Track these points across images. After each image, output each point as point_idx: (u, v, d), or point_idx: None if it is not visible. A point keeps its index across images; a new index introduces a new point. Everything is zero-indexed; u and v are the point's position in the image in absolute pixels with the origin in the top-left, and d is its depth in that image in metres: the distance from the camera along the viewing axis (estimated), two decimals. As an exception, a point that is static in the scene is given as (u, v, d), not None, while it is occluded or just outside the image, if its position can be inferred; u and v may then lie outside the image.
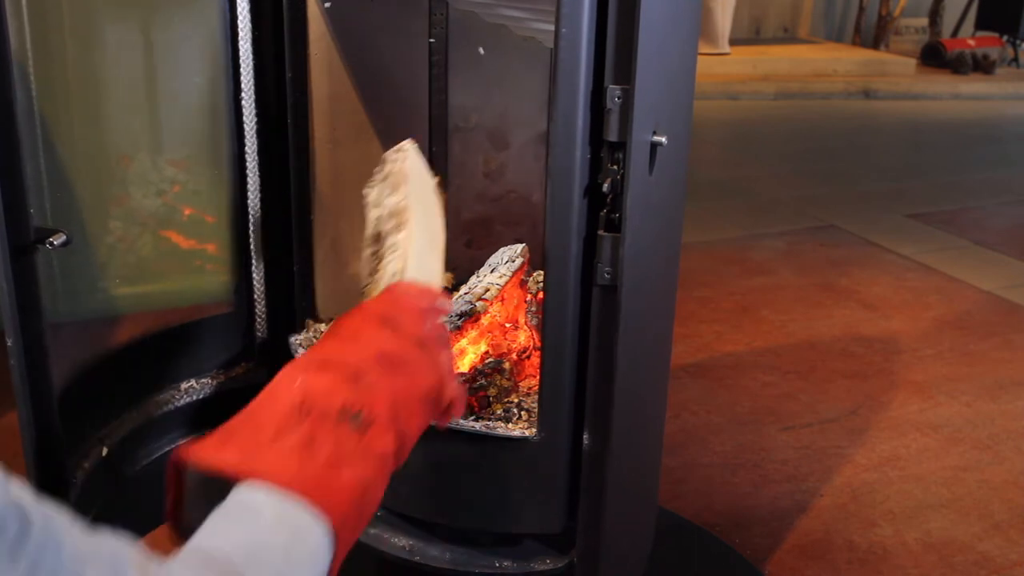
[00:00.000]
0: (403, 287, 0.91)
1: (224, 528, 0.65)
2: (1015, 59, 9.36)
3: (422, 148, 1.73)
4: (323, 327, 1.65)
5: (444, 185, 1.79)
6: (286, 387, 0.75)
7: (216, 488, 0.67)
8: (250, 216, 1.64)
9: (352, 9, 1.57)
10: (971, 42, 9.19)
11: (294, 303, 1.65)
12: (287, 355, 1.58)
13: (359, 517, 0.73)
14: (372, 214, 0.98)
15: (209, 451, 0.69)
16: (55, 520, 0.54)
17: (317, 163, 1.60)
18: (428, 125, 1.73)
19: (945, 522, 2.26)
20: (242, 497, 0.66)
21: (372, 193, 0.98)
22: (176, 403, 1.70)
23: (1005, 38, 9.27)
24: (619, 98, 1.09)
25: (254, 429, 0.72)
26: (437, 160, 1.76)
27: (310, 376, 0.75)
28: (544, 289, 1.21)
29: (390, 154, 1.00)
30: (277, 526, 0.65)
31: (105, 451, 1.57)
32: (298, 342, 1.59)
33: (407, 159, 0.99)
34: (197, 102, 1.63)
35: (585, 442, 1.25)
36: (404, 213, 0.95)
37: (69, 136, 1.51)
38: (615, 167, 1.11)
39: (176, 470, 0.69)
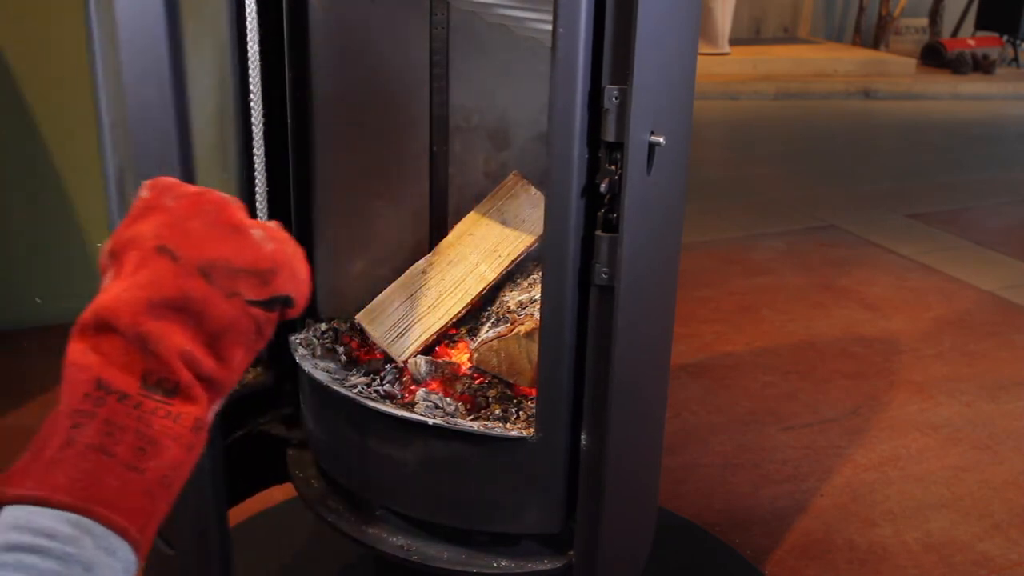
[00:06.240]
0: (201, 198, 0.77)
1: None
2: (1015, 59, 9.36)
3: (422, 148, 1.74)
4: (323, 326, 1.66)
5: (444, 185, 1.80)
6: (77, 370, 0.67)
7: None
8: (258, 219, 1.64)
9: (352, 9, 1.57)
10: (971, 42, 9.19)
11: (294, 303, 1.65)
12: (288, 355, 1.58)
13: (166, 504, 0.67)
14: None
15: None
16: None
17: (317, 163, 1.60)
18: (429, 125, 1.73)
19: (945, 522, 2.26)
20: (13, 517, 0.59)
21: None
22: (176, 403, 1.70)
23: (1005, 38, 9.27)
24: (616, 98, 1.09)
25: (46, 435, 0.64)
26: (438, 160, 1.76)
27: (98, 343, 0.68)
28: (542, 289, 1.21)
29: None
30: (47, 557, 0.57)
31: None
32: (298, 341, 1.59)
33: None
34: (206, 105, 1.63)
35: (583, 442, 1.25)
36: None
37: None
38: (613, 167, 1.11)
39: None
